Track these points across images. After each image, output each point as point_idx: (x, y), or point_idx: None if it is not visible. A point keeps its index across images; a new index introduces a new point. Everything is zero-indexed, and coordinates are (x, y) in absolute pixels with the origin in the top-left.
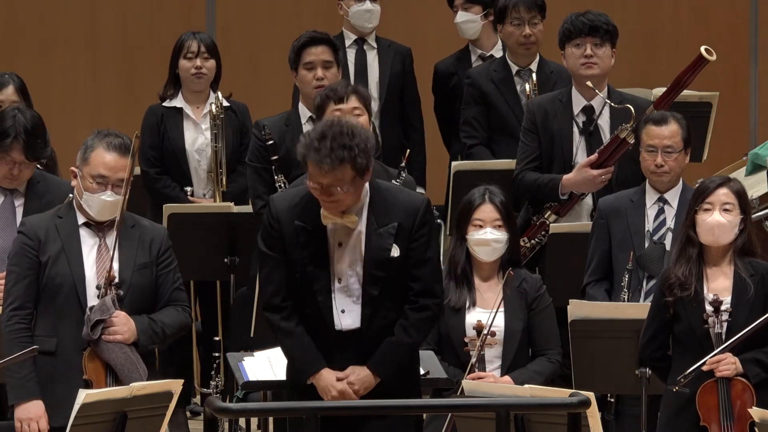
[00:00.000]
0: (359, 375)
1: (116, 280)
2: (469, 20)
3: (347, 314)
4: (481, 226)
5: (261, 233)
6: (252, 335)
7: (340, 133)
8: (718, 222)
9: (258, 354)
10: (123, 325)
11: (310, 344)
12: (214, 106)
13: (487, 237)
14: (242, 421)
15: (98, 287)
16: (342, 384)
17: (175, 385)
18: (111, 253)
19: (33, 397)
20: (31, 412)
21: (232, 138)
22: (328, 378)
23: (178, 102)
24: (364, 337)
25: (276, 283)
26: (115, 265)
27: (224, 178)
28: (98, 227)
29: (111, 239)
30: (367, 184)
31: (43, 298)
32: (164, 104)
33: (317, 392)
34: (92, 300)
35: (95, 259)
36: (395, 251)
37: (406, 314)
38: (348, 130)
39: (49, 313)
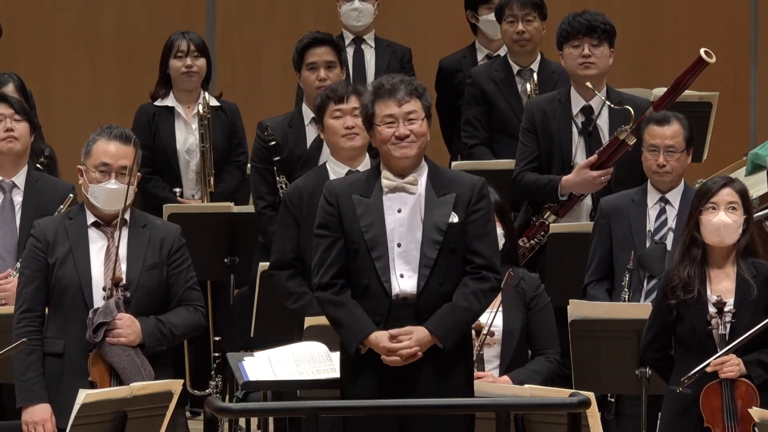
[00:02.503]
0: (415, 333)
1: (123, 281)
2: None
3: (406, 279)
4: None
5: (317, 219)
6: (252, 335)
7: (402, 78)
8: (723, 222)
9: (258, 354)
10: (127, 327)
11: (362, 313)
12: (201, 107)
13: None
14: (242, 421)
15: (104, 289)
16: (391, 343)
17: (175, 385)
18: (117, 254)
19: (40, 401)
20: (37, 415)
21: (222, 138)
22: (379, 337)
23: (169, 101)
24: (419, 303)
25: (328, 263)
26: (123, 266)
27: (212, 179)
28: (107, 227)
29: (120, 240)
30: (423, 159)
31: (53, 299)
32: (156, 103)
33: (370, 363)
34: (99, 301)
35: (103, 260)
36: (454, 217)
37: (466, 282)
38: (407, 78)
39: (58, 314)
